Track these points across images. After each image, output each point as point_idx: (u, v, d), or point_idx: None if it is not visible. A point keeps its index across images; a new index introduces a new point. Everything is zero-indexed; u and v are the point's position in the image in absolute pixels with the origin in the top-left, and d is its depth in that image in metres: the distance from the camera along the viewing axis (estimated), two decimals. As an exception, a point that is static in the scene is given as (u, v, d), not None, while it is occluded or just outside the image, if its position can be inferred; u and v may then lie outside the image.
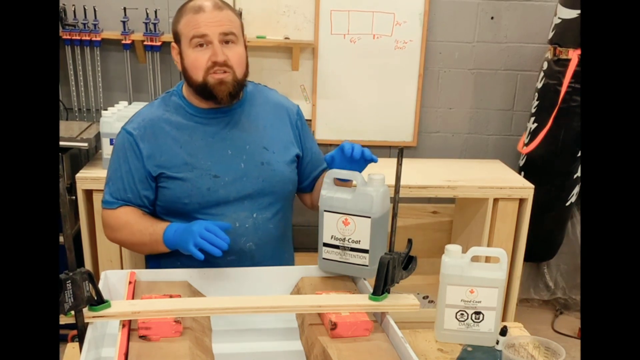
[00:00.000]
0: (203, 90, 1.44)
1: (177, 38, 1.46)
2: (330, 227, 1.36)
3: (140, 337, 1.14)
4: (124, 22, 2.74)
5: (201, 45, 1.41)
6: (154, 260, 1.56)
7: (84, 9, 2.74)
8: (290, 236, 1.66)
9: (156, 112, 1.51)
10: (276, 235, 1.55)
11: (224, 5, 1.44)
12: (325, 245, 1.38)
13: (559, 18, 2.63)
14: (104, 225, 1.54)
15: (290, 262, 1.66)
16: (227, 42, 1.42)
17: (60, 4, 2.72)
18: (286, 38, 2.86)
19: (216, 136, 1.49)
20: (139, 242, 1.48)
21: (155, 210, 1.53)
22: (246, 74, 1.48)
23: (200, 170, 1.46)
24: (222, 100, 1.44)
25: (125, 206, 1.49)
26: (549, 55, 2.71)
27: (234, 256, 1.47)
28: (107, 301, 1.16)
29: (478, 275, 1.38)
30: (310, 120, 2.95)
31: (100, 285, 1.20)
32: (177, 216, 1.49)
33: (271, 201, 1.53)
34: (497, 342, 1.39)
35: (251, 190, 1.49)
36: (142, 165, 1.47)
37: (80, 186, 2.31)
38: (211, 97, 1.44)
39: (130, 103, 2.70)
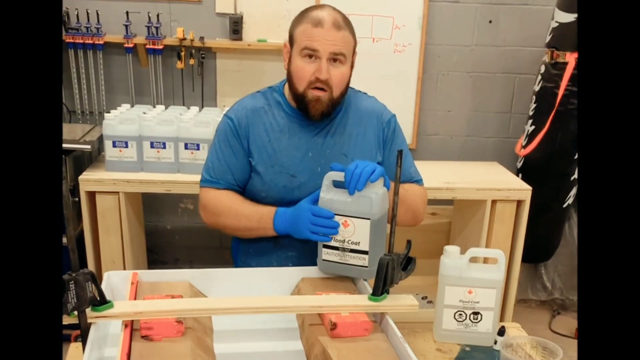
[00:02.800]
0: (301, 101, 1.49)
1: (291, 40, 1.49)
2: (330, 229, 1.38)
3: (143, 337, 1.14)
4: (126, 26, 2.76)
5: (310, 56, 1.44)
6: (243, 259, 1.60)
7: (87, 12, 2.76)
8: None
9: (257, 103, 1.56)
10: None
11: (343, 25, 1.45)
12: (325, 246, 1.39)
13: (557, 22, 2.65)
14: (203, 209, 1.56)
15: None
16: (335, 60, 1.45)
17: (64, 8, 2.74)
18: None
19: (303, 138, 1.53)
20: (244, 227, 1.51)
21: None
22: (344, 93, 1.51)
23: (279, 167, 1.51)
24: (314, 117, 1.49)
25: (227, 190, 1.54)
26: (546, 58, 2.73)
27: (295, 252, 1.54)
28: (109, 302, 1.16)
29: (476, 276, 1.39)
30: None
31: (103, 286, 1.21)
32: None
33: None
34: (495, 342, 1.40)
35: None
36: (243, 148, 1.53)
37: (83, 188, 2.33)
38: (305, 110, 1.49)
39: (132, 106, 2.71)
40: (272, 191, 1.52)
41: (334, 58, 1.44)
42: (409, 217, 1.55)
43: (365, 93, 1.66)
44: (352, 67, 1.51)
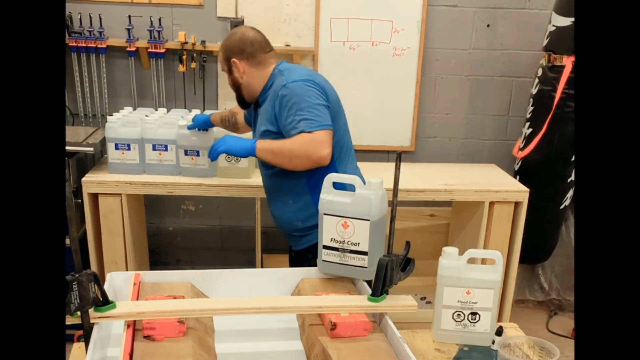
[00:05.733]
0: None
1: None
2: (330, 230, 1.39)
3: (145, 337, 1.16)
4: (128, 30, 2.78)
5: None
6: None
7: (90, 16, 2.77)
8: (285, 192, 1.93)
9: None
10: (269, 183, 2.01)
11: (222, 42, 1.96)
12: (325, 247, 1.40)
13: (554, 26, 2.67)
14: None
15: (285, 211, 1.95)
16: None
17: (67, 12, 2.75)
18: (287, 45, 2.89)
19: (253, 112, 2.04)
20: None
21: None
22: (239, 91, 1.97)
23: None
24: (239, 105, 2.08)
25: None
26: (543, 62, 2.74)
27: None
28: (112, 302, 1.18)
29: (474, 277, 1.40)
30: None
31: (106, 287, 1.23)
32: None
33: (262, 162, 1.94)
34: (493, 342, 1.42)
35: None
36: None
37: (86, 190, 2.34)
38: None
39: (134, 109, 2.73)
40: None
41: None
42: (299, 162, 1.77)
43: (287, 73, 1.87)
44: (230, 72, 1.94)
